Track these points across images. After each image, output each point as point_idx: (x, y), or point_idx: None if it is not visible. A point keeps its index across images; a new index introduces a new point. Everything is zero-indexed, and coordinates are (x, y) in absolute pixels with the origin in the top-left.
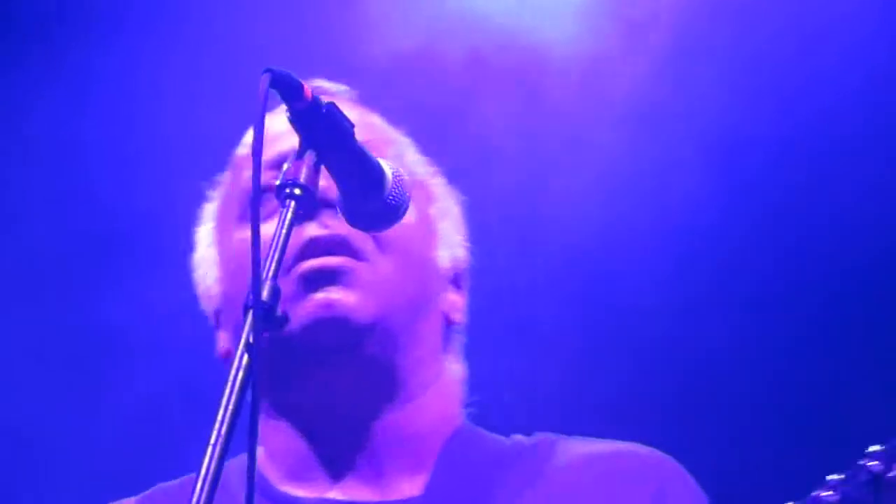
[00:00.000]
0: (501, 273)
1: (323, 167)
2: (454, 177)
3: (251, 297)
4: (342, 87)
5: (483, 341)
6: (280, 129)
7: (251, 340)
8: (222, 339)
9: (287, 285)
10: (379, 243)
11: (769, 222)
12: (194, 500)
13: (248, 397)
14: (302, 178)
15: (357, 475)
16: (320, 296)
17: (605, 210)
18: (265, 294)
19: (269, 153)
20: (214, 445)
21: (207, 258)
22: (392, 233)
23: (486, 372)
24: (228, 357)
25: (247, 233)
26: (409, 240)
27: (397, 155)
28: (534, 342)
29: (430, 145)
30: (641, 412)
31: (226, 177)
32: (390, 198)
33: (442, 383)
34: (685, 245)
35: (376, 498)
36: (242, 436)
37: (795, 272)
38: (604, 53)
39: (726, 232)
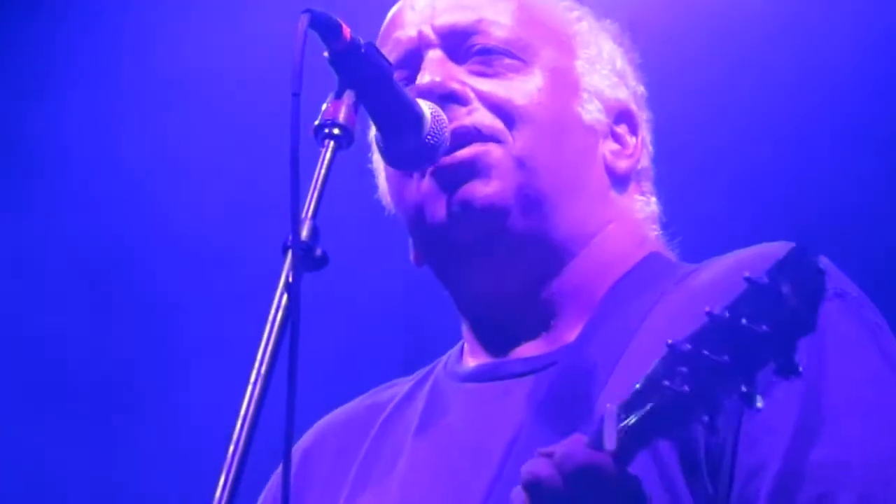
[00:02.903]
0: None
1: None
2: None
3: (290, 237)
4: None
5: None
6: None
7: (290, 280)
8: (412, 245)
9: (424, 183)
10: (508, 120)
11: None
12: (234, 439)
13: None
14: (340, 118)
15: (529, 335)
16: (458, 192)
17: None
18: (304, 234)
19: None
20: (254, 384)
21: (377, 166)
22: (522, 106)
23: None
24: (418, 263)
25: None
26: (542, 107)
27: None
28: None
29: None
30: None
31: None
32: (428, 137)
33: (613, 228)
34: None
35: (542, 350)
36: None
37: None
38: None
39: None
